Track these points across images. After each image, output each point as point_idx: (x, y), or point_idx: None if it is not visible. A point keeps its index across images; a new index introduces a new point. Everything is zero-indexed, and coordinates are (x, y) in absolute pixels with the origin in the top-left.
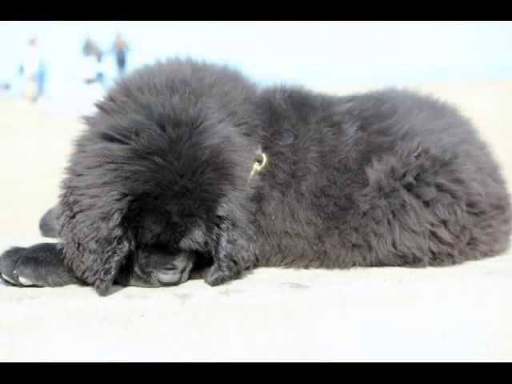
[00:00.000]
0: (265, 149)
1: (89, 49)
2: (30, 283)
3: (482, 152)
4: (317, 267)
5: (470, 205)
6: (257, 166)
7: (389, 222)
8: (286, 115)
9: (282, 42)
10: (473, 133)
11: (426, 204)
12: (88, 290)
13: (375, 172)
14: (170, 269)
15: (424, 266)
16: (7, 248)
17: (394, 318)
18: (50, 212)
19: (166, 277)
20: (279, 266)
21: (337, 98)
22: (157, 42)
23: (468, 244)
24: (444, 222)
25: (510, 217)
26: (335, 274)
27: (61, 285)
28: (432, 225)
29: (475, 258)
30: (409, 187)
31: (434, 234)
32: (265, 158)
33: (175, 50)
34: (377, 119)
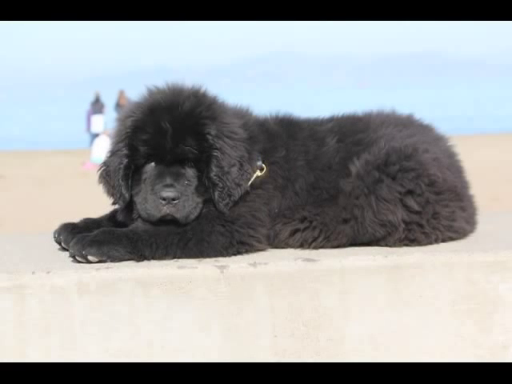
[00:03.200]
0: (265, 159)
1: (97, 106)
2: (96, 260)
3: (441, 150)
4: (322, 241)
5: (430, 184)
6: (259, 173)
7: (366, 196)
8: (278, 134)
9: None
10: (437, 140)
11: (394, 178)
12: (148, 261)
13: (355, 167)
14: (168, 186)
15: (400, 235)
16: (77, 236)
17: (381, 281)
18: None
19: (165, 193)
20: (286, 234)
21: (319, 120)
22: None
23: (432, 216)
24: (410, 192)
25: (468, 207)
26: (336, 252)
27: (119, 259)
28: (400, 193)
29: (439, 231)
30: (379, 168)
31: (403, 203)
32: (265, 167)
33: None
34: (352, 133)
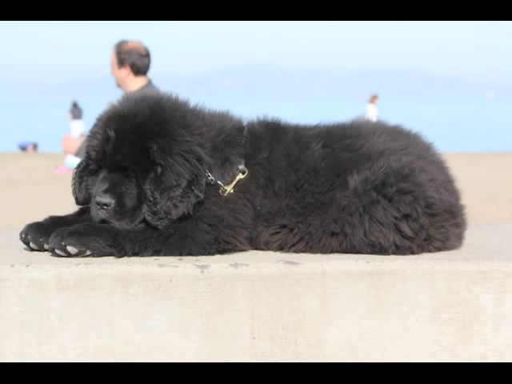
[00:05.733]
0: (248, 160)
1: (76, 112)
2: (76, 251)
3: (435, 166)
4: (303, 248)
5: (427, 206)
6: (241, 175)
7: (360, 215)
8: (262, 137)
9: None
10: (427, 151)
11: (391, 200)
12: (128, 259)
13: (354, 181)
14: (104, 191)
15: (388, 255)
16: (57, 229)
17: (362, 287)
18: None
19: (98, 198)
20: (269, 238)
21: (308, 126)
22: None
23: (424, 240)
24: (406, 217)
25: (461, 222)
26: (318, 256)
27: (99, 250)
28: (395, 218)
29: (429, 252)
30: (377, 189)
31: (397, 228)
32: (247, 170)
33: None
34: (341, 138)
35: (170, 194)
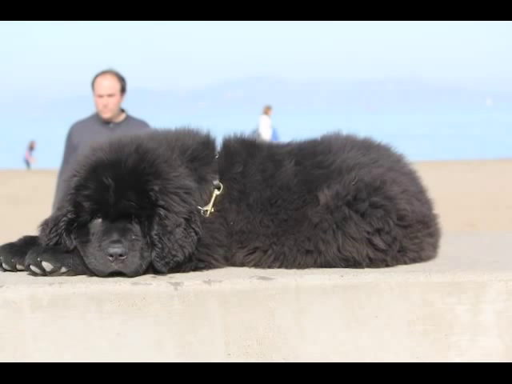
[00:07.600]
0: (222, 175)
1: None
2: (51, 267)
3: (407, 178)
4: (278, 267)
5: (399, 218)
6: (217, 192)
7: (333, 232)
8: (238, 152)
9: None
10: (398, 163)
11: (363, 215)
12: (103, 278)
13: (324, 196)
14: (115, 241)
15: (363, 268)
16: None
17: (336, 301)
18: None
19: (112, 250)
20: (244, 259)
21: (281, 144)
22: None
23: (398, 252)
24: (378, 231)
25: (435, 232)
26: (292, 270)
27: (74, 267)
28: (368, 233)
29: (405, 263)
30: (349, 204)
31: (370, 242)
32: (222, 185)
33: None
34: (312, 156)
35: (176, 236)
